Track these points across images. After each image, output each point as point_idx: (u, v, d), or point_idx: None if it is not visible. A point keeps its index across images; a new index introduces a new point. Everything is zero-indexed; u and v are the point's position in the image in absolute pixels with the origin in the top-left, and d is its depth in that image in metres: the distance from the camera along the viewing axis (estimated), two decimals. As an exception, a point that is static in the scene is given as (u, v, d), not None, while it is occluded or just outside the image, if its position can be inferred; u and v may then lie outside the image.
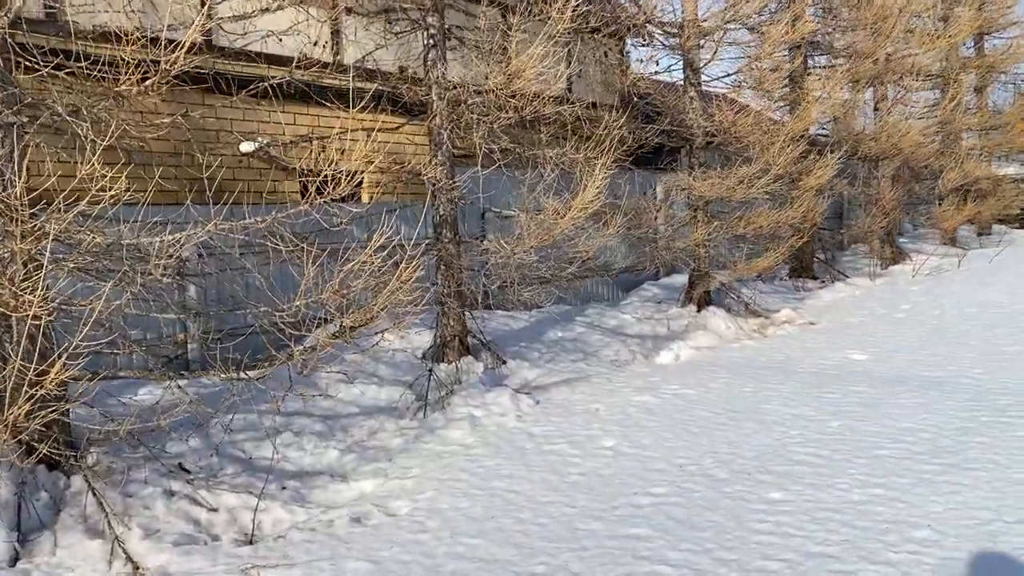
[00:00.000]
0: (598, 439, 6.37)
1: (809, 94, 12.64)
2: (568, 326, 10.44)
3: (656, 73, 11.47)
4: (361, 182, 9.92)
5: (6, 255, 4.65)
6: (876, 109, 16.16)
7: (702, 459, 5.81)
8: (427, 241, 8.00)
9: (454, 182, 7.73)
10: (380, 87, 7.66)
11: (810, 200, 11.06)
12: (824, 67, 14.78)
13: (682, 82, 11.52)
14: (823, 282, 14.47)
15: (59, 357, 4.11)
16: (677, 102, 10.98)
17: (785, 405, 6.99)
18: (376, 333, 6.17)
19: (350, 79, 5.81)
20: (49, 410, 4.27)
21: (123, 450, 5.67)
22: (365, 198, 10.24)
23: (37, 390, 4.17)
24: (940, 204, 17.94)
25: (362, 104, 6.59)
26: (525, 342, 9.47)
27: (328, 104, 8.14)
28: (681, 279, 13.58)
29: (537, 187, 7.31)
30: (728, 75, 11.38)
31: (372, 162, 6.00)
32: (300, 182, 9.98)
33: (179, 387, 5.69)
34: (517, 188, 8.13)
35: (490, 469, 5.91)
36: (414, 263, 5.86)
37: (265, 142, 9.31)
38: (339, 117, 10.10)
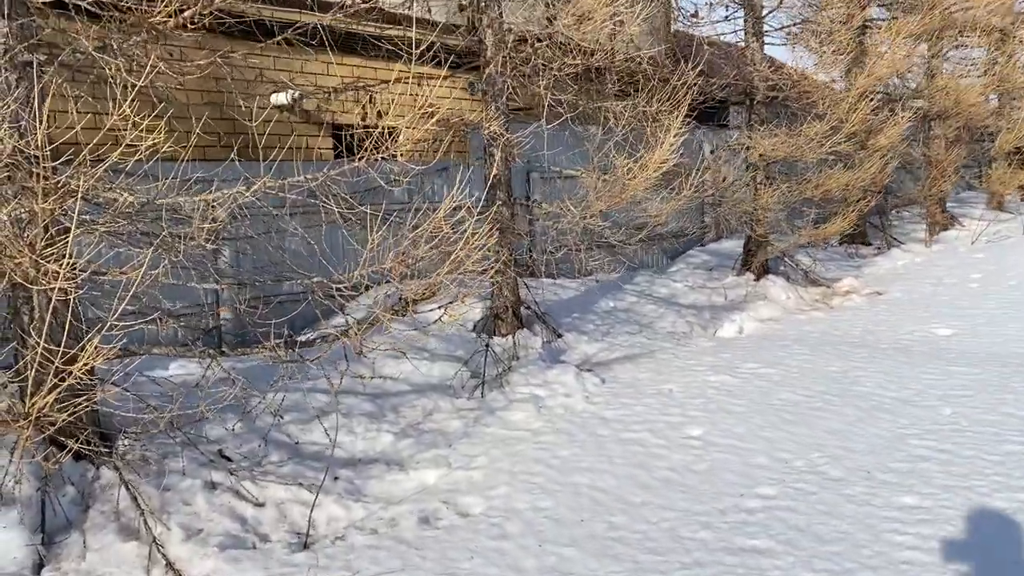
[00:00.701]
0: (682, 427, 5.71)
1: (875, 48, 11.74)
2: (619, 295, 9.76)
3: (726, 19, 10.57)
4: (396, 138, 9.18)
5: (25, 216, 3.98)
6: (932, 67, 15.20)
7: (808, 453, 5.15)
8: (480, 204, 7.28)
9: (511, 137, 6.98)
10: (428, 34, 6.89)
11: (880, 161, 10.26)
12: (884, 20, 13.85)
13: (741, 32, 10.69)
14: (878, 248, 13.70)
15: (90, 339, 3.46)
16: (740, 54, 10.14)
17: (882, 387, 6.31)
18: (439, 307, 5.53)
19: (413, 23, 5.05)
20: (81, 399, 3.62)
21: (157, 436, 5.05)
22: (400, 157, 9.49)
23: (65, 376, 3.53)
24: (991, 167, 17.05)
25: (419, 53, 5.83)
26: (577, 313, 8.80)
27: (373, 52, 7.37)
28: (730, 244, 12.84)
29: (607, 144, 6.57)
30: (795, 24, 10.51)
31: (433, 115, 5.29)
32: (333, 136, 9.25)
33: (221, 366, 5.04)
34: (580, 145, 7.40)
35: (567, 461, 5.26)
36: (485, 228, 5.21)
37: (297, 94, 8.56)
38: (375, 68, 9.35)
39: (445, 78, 8.37)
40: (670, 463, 5.14)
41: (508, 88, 6.95)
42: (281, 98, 8.51)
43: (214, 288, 6.27)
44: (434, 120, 5.38)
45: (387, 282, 5.04)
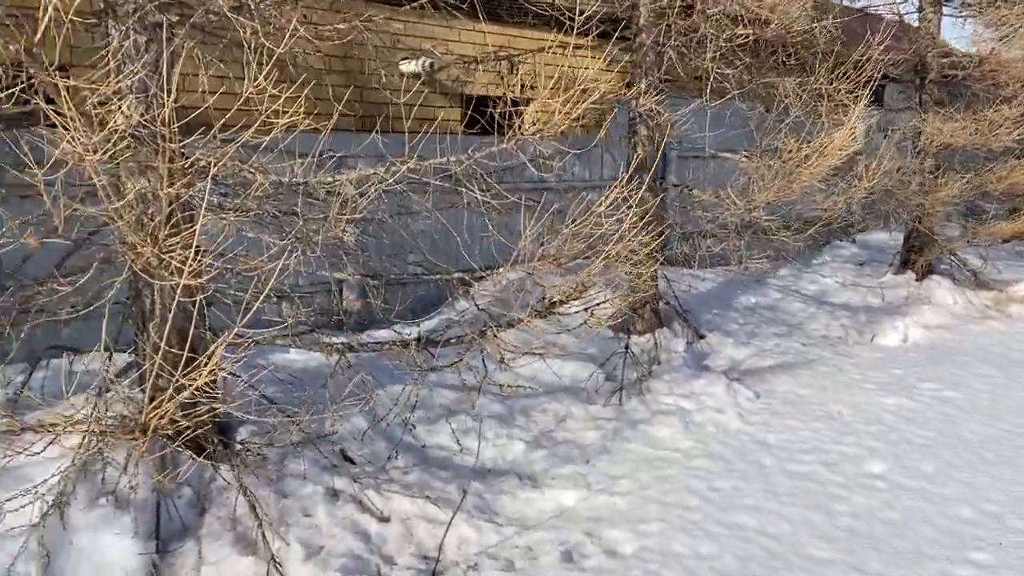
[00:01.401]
0: (861, 461, 4.95)
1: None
2: (761, 289, 8.93)
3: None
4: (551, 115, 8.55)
5: (148, 195, 3.57)
6: None
7: (1019, 506, 4.32)
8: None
9: (669, 116, 6.25)
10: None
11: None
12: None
13: (907, 3, 9.53)
14: (1052, 248, 12.28)
15: (218, 346, 3.01)
16: (914, 29, 9.03)
17: (1099, 428, 5.36)
18: (585, 307, 4.95)
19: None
20: (204, 410, 3.20)
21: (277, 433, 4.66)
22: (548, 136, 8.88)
23: (188, 383, 3.10)
24: None
25: (580, 22, 5.18)
26: (718, 309, 8.04)
27: (517, 19, 6.76)
28: (880, 237, 11.72)
29: (781, 126, 5.78)
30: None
31: (592, 91, 4.67)
32: (465, 108, 8.72)
33: (349, 363, 4.59)
34: (743, 124, 6.61)
35: (727, 495, 4.59)
36: (642, 220, 4.58)
37: (430, 62, 8.04)
38: (511, 36, 8.72)
39: (592, 48, 7.68)
40: (852, 508, 4.40)
41: (666, 61, 6.21)
42: (412, 66, 8.00)
43: (358, 279, 5.84)
44: (594, 98, 4.75)
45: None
